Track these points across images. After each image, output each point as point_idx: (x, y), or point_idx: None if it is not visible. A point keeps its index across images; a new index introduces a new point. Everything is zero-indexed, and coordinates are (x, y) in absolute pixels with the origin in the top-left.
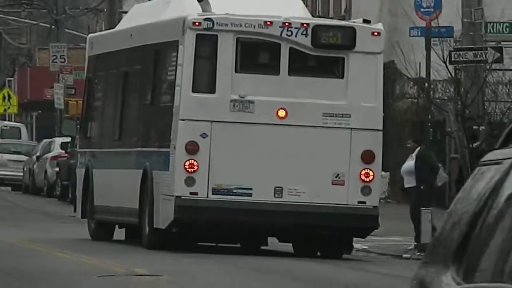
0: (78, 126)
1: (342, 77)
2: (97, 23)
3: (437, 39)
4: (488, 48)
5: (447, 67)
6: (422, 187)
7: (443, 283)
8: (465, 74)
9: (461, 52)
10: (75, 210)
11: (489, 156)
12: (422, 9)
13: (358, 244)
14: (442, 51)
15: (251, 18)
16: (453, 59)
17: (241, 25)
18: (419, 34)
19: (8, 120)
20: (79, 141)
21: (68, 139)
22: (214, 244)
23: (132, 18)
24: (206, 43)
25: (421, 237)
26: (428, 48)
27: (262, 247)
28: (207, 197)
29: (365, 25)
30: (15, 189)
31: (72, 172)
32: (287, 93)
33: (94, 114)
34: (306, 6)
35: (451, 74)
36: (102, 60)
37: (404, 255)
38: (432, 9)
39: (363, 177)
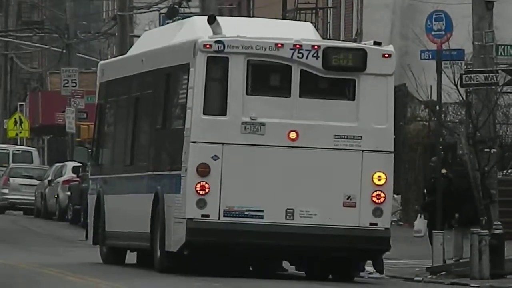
0: (90, 151)
1: (353, 99)
2: (109, 47)
3: (448, 62)
4: (499, 71)
5: (458, 90)
6: None
7: None
8: (476, 97)
9: (472, 75)
10: (87, 237)
11: None
12: (433, 32)
13: (370, 267)
14: (453, 74)
15: (262, 41)
16: (464, 82)
17: (252, 48)
18: (430, 57)
19: (20, 145)
20: (91, 167)
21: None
22: (225, 267)
23: (143, 44)
24: (217, 65)
25: (432, 259)
26: (439, 71)
27: (278, 272)
28: (219, 219)
29: (376, 47)
30: (27, 213)
31: (84, 196)
32: (298, 115)
33: (105, 140)
34: (317, 29)
35: (462, 97)
36: (113, 86)
37: (416, 278)
38: (443, 32)
39: (374, 199)
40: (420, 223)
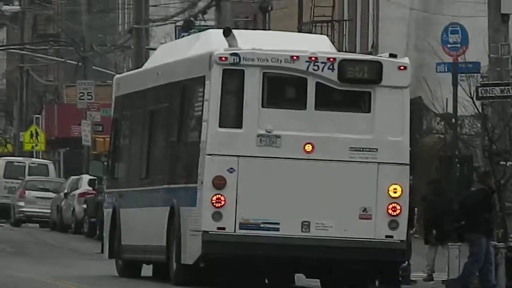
0: (105, 165)
1: (369, 111)
2: (124, 60)
3: (464, 74)
4: None
5: (474, 102)
6: None
7: None
8: (492, 110)
9: (488, 88)
10: (102, 251)
11: None
12: (449, 45)
13: None
14: (469, 87)
15: (277, 53)
16: (480, 95)
17: (267, 60)
18: (446, 70)
19: (36, 157)
20: (106, 181)
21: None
22: (241, 280)
23: (159, 57)
24: (233, 78)
25: (448, 272)
26: (455, 83)
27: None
28: (234, 232)
29: (391, 59)
30: (43, 226)
31: (99, 209)
32: (314, 127)
33: (121, 154)
34: (333, 42)
35: (478, 110)
36: (129, 100)
37: None
38: (459, 45)
39: (390, 211)
40: None
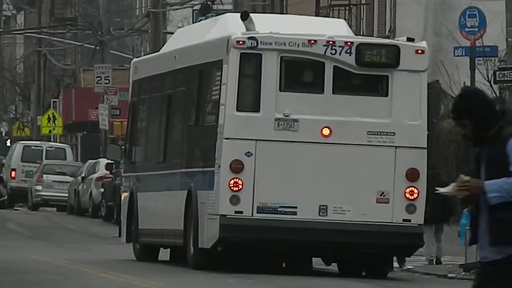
0: (122, 148)
1: (386, 95)
2: (142, 43)
3: (481, 58)
4: None
5: (491, 86)
6: None
7: None
8: (509, 93)
9: (505, 72)
10: (120, 235)
11: None
12: (466, 29)
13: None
14: (487, 71)
15: (295, 37)
16: (497, 79)
17: (285, 44)
18: (464, 54)
19: (53, 141)
20: (124, 165)
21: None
22: (259, 264)
23: (176, 41)
24: (250, 61)
25: (466, 256)
26: (472, 67)
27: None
28: (252, 215)
29: (409, 43)
30: (60, 210)
31: (117, 193)
32: (331, 111)
33: (138, 138)
34: (350, 26)
35: (495, 94)
36: (146, 83)
37: (449, 275)
38: (476, 29)
39: (407, 195)
40: None
